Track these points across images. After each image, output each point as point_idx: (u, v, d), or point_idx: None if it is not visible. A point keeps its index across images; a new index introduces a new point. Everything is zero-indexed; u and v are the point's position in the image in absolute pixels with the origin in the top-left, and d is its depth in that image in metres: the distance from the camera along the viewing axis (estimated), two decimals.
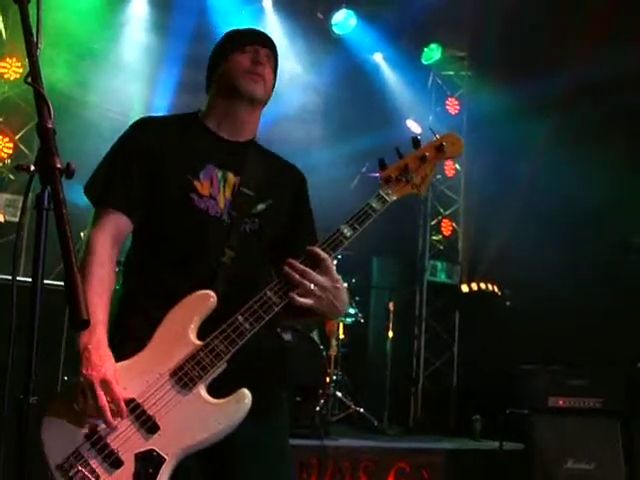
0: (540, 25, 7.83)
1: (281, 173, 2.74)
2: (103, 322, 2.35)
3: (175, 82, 8.23)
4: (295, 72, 8.92)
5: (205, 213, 2.50)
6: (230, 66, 2.63)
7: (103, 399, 2.25)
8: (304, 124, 9.06)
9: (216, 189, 2.55)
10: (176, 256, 2.49)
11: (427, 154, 2.61)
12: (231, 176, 2.59)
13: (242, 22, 8.31)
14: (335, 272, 2.41)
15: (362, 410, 7.21)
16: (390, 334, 8.07)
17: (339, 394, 7.11)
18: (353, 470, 5.87)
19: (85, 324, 1.60)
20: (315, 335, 6.76)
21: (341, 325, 7.37)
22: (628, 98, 7.23)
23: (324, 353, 6.64)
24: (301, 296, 2.36)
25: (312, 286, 2.36)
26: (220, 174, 2.57)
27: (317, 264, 2.38)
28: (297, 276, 2.35)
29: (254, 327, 2.34)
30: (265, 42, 2.71)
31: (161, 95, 8.13)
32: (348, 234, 2.44)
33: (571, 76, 7.73)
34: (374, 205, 2.50)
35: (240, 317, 2.34)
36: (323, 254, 2.38)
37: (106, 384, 2.25)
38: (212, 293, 2.39)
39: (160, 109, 8.02)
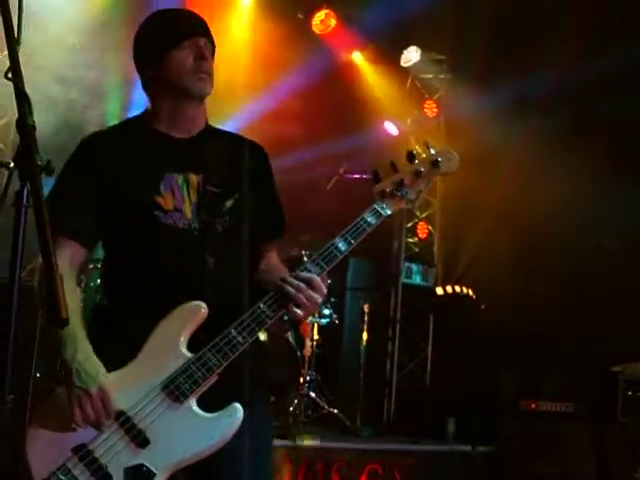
0: (519, 29, 7.85)
1: (242, 156, 2.63)
2: (84, 334, 2.31)
3: None
4: (273, 71, 8.88)
5: (174, 228, 2.44)
6: (173, 66, 2.51)
7: (101, 409, 2.22)
8: (282, 124, 9.03)
9: (179, 200, 2.47)
10: (157, 274, 2.43)
11: (422, 169, 2.57)
12: (193, 177, 2.51)
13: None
14: (323, 287, 2.43)
15: (335, 411, 7.20)
16: (364, 335, 8.06)
17: (313, 395, 7.10)
18: (326, 471, 5.87)
19: (64, 322, 1.58)
20: (290, 335, 6.74)
21: (316, 326, 7.36)
22: (607, 102, 7.28)
23: (298, 353, 6.63)
24: (295, 308, 2.39)
25: (305, 300, 2.37)
26: (181, 179, 2.49)
27: (308, 282, 2.39)
28: (293, 291, 2.36)
29: (247, 340, 2.34)
30: (200, 30, 2.57)
31: (140, 90, 8.06)
32: (343, 248, 2.46)
33: (550, 80, 7.77)
34: (369, 219, 2.52)
35: (233, 331, 2.33)
36: (313, 276, 2.40)
37: (103, 394, 2.23)
38: (203, 304, 2.36)
39: (139, 105, 7.95)
